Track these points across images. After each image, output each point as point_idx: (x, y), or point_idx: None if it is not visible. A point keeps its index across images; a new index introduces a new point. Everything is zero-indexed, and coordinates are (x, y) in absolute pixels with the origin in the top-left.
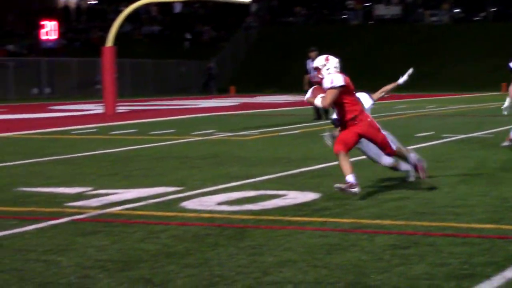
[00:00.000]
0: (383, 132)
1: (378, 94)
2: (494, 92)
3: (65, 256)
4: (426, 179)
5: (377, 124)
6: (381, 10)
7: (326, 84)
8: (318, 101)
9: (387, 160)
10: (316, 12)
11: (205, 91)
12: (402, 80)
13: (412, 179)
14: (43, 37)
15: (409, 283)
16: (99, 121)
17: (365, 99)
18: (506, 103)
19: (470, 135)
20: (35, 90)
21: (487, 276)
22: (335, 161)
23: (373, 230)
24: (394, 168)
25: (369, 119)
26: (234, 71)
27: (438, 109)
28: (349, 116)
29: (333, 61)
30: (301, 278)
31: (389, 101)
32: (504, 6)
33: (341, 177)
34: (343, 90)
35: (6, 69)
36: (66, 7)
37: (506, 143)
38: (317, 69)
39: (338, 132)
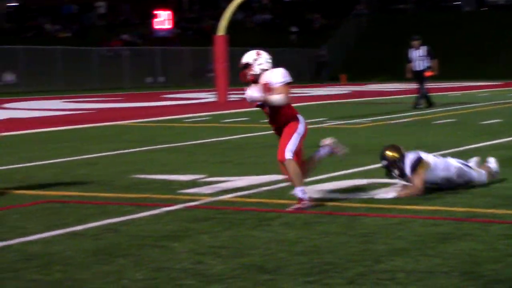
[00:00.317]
0: (297, 137)
1: None
2: None
3: (179, 242)
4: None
5: (300, 128)
6: None
7: (278, 77)
8: (278, 97)
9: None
10: None
11: (317, 79)
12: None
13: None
14: (157, 26)
15: None
16: (212, 109)
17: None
18: None
19: None
20: (149, 79)
21: None
22: (448, 149)
23: (487, 219)
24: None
25: (293, 121)
26: (344, 59)
27: None
28: (279, 118)
29: (265, 56)
30: (413, 266)
31: (503, 89)
32: None
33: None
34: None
35: (121, 58)
36: None
37: None
38: (248, 65)
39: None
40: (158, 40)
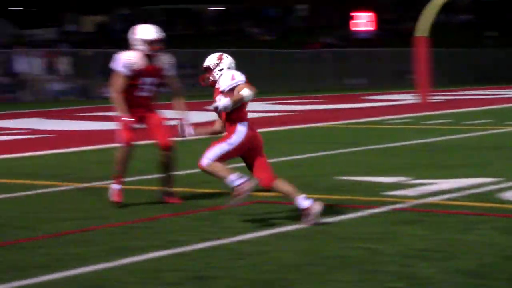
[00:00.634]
0: (224, 147)
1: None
2: None
3: (386, 244)
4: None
5: (232, 138)
6: None
7: (227, 81)
8: (246, 93)
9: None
10: None
11: None
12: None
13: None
14: (357, 28)
15: None
16: (413, 110)
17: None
18: None
19: None
20: (350, 81)
21: None
22: None
23: None
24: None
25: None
26: None
27: None
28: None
29: (227, 61)
30: None
31: None
32: None
33: None
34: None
35: (323, 60)
36: None
37: None
38: (208, 69)
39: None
40: (358, 41)
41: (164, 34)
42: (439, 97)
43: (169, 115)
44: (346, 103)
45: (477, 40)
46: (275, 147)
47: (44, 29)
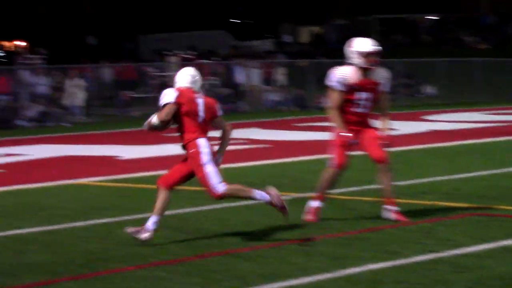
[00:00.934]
0: (209, 168)
1: None
2: None
3: None
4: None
5: (203, 158)
6: None
7: (161, 100)
8: (154, 118)
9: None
10: None
11: None
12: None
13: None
14: None
15: None
16: None
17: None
18: None
19: None
20: None
21: None
22: None
23: None
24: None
25: (192, 150)
26: None
27: None
28: (182, 141)
29: (186, 73)
30: None
31: None
32: None
33: None
34: (181, 110)
35: None
36: None
37: None
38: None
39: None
40: None
41: (380, 47)
42: None
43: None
44: None
45: None
46: (497, 158)
47: (262, 40)
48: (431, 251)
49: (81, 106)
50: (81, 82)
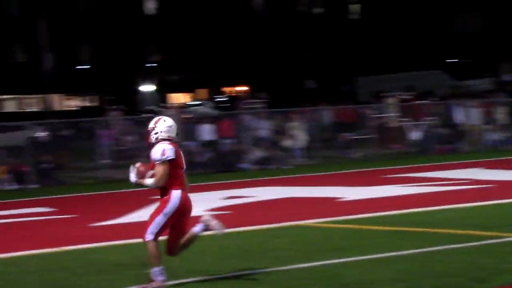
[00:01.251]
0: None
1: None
2: None
3: None
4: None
5: (162, 206)
6: None
7: (157, 154)
8: (150, 182)
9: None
10: None
11: None
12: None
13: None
14: None
15: None
16: None
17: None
18: None
19: None
20: None
21: None
22: None
23: None
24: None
25: (165, 197)
26: None
27: None
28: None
29: (164, 124)
30: None
31: None
32: None
33: None
34: (172, 164)
35: None
36: None
37: None
38: (148, 131)
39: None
40: None
41: None
42: None
43: None
44: None
45: None
46: None
47: (480, 79)
48: None
49: (302, 148)
50: (302, 125)
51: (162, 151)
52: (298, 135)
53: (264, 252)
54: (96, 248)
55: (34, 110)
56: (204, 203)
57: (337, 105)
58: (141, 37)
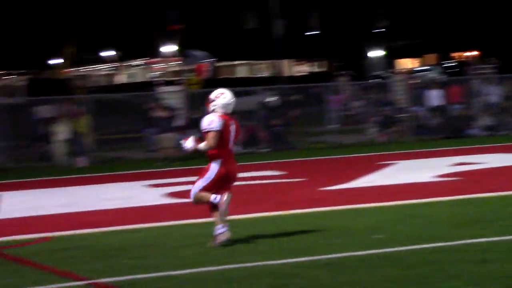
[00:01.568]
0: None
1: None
2: None
3: None
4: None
5: (203, 174)
6: None
7: (205, 123)
8: (202, 145)
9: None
10: None
11: None
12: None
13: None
14: None
15: None
16: None
17: None
18: None
19: None
20: None
21: None
22: None
23: None
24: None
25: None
26: None
27: None
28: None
29: (224, 98)
30: None
31: None
32: None
33: None
34: (218, 135)
35: None
36: None
37: None
38: (209, 100)
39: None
40: None
41: None
42: None
43: None
44: None
45: None
46: None
47: None
48: None
49: None
50: None
51: (210, 121)
52: None
53: (496, 221)
54: (325, 212)
55: (265, 75)
56: (433, 169)
57: None
58: (369, 3)
